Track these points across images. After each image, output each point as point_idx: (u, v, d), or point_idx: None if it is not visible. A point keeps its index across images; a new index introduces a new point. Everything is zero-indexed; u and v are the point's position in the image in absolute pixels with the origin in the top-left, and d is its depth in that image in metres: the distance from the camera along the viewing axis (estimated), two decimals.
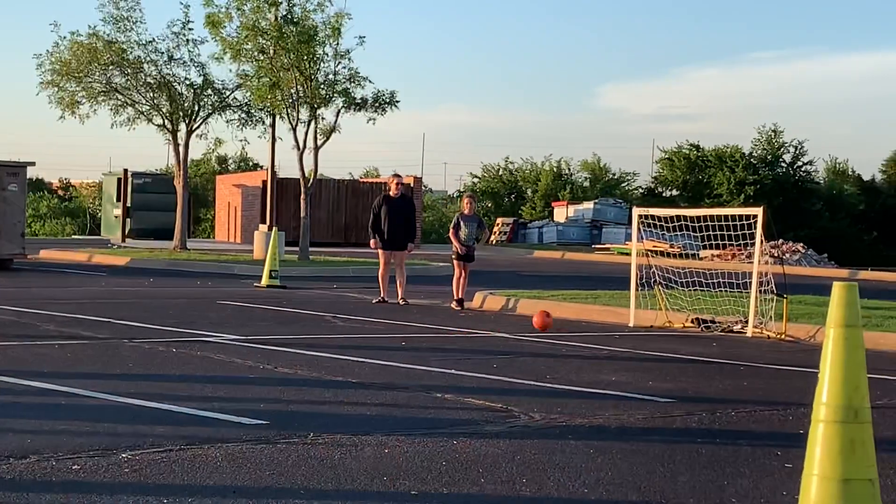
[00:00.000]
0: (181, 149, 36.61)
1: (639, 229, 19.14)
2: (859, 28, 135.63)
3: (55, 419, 8.16)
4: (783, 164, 61.33)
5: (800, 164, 61.78)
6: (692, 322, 17.14)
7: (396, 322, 16.50)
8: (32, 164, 29.00)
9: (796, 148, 61.49)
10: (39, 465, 6.71)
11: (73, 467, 6.69)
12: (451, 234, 20.26)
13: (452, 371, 11.41)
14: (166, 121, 36.26)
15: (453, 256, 20.17)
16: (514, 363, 12.39)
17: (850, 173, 67.18)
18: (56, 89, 35.28)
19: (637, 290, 17.75)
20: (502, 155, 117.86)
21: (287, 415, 8.70)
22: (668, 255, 26.20)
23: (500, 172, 66.97)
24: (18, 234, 27.60)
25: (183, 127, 36.43)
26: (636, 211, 19.15)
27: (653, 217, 19.61)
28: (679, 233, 20.99)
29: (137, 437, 7.56)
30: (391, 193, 20.40)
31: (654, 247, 28.96)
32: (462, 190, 69.53)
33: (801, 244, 45.81)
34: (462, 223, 20.10)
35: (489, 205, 63.20)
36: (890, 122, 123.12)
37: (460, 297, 19.53)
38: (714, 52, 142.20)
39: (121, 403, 8.89)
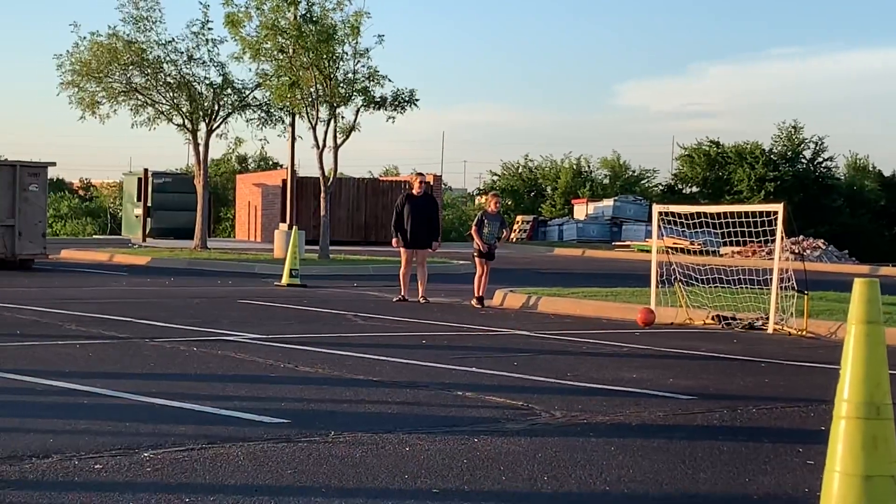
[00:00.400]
0: (201, 148, 36.71)
1: (659, 226, 19.13)
2: (879, 24, 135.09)
3: (77, 419, 8.19)
4: (803, 161, 61.06)
5: (820, 160, 61.51)
6: (713, 319, 17.10)
7: (417, 320, 16.51)
8: (53, 164, 29.08)
9: (816, 144, 61.23)
10: (62, 464, 6.74)
11: (96, 467, 6.72)
12: (473, 231, 20.26)
13: (473, 369, 11.41)
14: (186, 120, 36.34)
15: (475, 254, 20.18)
16: (535, 361, 12.38)
17: (871, 169, 66.80)
18: (76, 89, 35.40)
19: (657, 287, 17.72)
20: (522, 153, 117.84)
21: (308, 413, 8.72)
22: (689, 251, 26.18)
23: (520, 170, 66.91)
24: (40, 235, 27.71)
25: (203, 126, 36.53)
26: (656, 208, 19.12)
27: (673, 214, 19.59)
28: (699, 230, 20.92)
29: (159, 436, 7.58)
30: (414, 192, 20.40)
31: (675, 244, 28.93)
32: (482, 188, 69.51)
33: (822, 240, 45.60)
34: (486, 221, 20.11)
35: (509, 202, 63.08)
36: None
37: (481, 294, 19.53)
38: (734, 48, 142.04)
39: (142, 403, 8.92)
